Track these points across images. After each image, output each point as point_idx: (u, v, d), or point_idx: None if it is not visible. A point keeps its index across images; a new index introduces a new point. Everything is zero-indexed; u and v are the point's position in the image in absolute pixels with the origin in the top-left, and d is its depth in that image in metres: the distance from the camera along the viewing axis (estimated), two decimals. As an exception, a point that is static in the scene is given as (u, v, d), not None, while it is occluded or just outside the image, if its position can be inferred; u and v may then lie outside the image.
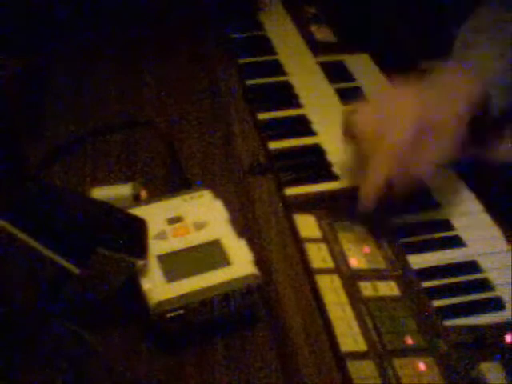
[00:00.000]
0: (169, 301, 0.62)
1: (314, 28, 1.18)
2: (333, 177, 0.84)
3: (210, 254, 0.66)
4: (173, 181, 0.83)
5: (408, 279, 0.72)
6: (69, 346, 0.64)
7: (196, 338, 0.65)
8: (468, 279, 0.74)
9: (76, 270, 0.61)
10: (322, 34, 1.16)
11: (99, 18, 1.15)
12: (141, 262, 0.64)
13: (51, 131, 0.92)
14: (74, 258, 0.61)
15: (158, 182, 0.84)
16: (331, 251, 0.74)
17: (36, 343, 0.63)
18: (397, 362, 0.63)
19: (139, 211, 0.70)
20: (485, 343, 0.66)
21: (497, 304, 0.71)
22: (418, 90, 0.80)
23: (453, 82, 0.82)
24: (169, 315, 0.62)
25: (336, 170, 0.86)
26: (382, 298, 0.69)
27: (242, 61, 1.08)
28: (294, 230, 0.76)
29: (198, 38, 1.13)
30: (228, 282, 0.64)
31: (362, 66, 1.07)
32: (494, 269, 0.74)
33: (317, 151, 0.89)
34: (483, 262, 0.75)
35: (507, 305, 0.70)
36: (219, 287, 0.63)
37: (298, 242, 0.75)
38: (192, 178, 0.83)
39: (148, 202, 0.74)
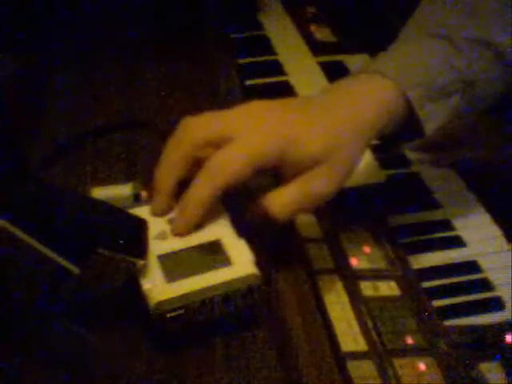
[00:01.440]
0: (169, 301, 0.62)
1: (313, 28, 1.18)
2: (333, 177, 0.84)
3: (210, 254, 0.66)
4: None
5: (408, 279, 0.72)
6: (69, 345, 0.63)
7: (196, 338, 0.65)
8: (468, 279, 0.74)
9: (76, 270, 0.61)
10: (322, 33, 1.16)
11: (99, 18, 1.15)
12: (141, 262, 0.64)
13: (51, 131, 0.92)
14: (74, 257, 0.61)
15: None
16: (332, 251, 0.74)
17: (36, 343, 0.63)
18: (397, 362, 0.63)
19: (139, 211, 0.70)
20: (485, 343, 0.66)
21: (497, 304, 0.71)
22: (297, 104, 0.65)
23: (356, 92, 0.64)
24: (169, 315, 0.62)
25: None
26: (382, 298, 0.69)
27: (241, 61, 1.08)
28: (294, 230, 0.76)
29: (198, 38, 1.13)
30: (228, 282, 0.64)
31: (361, 66, 1.07)
32: (493, 269, 0.75)
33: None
34: (483, 262, 0.75)
35: (507, 305, 0.70)
36: (219, 287, 0.63)
37: (299, 242, 0.75)
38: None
39: (148, 201, 0.74)
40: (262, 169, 0.61)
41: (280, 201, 0.62)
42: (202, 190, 0.62)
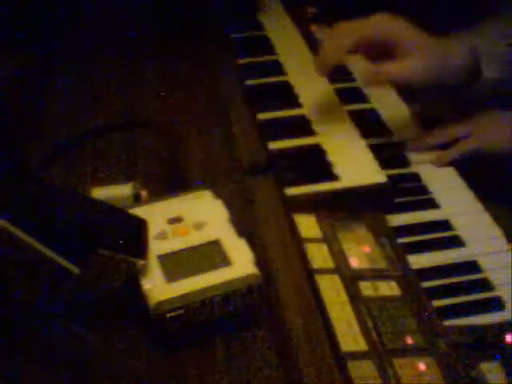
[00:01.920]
0: (169, 301, 0.62)
1: (313, 28, 1.18)
2: (333, 177, 0.84)
3: (210, 254, 0.66)
4: (173, 181, 0.83)
5: (408, 279, 0.72)
6: (69, 345, 0.64)
7: (196, 338, 0.65)
8: (468, 279, 0.74)
9: (76, 270, 0.61)
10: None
11: (99, 18, 1.15)
12: (141, 262, 0.64)
13: (51, 131, 0.92)
14: (74, 257, 0.61)
15: (158, 182, 0.84)
16: (331, 251, 0.74)
17: (36, 343, 0.63)
18: (397, 362, 0.63)
19: (139, 211, 0.70)
20: (485, 343, 0.66)
21: (497, 304, 0.71)
22: None
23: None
24: (169, 315, 0.62)
25: (336, 170, 0.86)
26: (382, 298, 0.69)
27: (241, 61, 1.08)
28: (294, 230, 0.76)
29: (198, 38, 1.13)
30: (228, 282, 0.64)
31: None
32: (493, 269, 0.75)
33: (317, 151, 0.89)
34: (483, 262, 0.75)
35: (507, 305, 0.70)
36: (219, 287, 0.63)
37: (299, 242, 0.75)
38: (192, 178, 0.83)
39: (148, 201, 0.74)
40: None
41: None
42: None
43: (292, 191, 0.82)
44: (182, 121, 0.94)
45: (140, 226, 0.68)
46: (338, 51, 0.88)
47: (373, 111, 0.98)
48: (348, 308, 0.68)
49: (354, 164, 0.86)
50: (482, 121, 0.91)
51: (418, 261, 0.75)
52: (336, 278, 0.71)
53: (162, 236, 0.68)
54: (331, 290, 0.70)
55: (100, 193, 0.76)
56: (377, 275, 0.72)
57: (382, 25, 0.87)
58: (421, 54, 0.84)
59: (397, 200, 0.83)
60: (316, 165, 0.87)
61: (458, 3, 1.06)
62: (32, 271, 0.62)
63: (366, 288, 0.71)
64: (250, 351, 0.64)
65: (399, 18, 0.87)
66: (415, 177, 0.88)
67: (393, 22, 0.86)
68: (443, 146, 0.91)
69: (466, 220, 0.81)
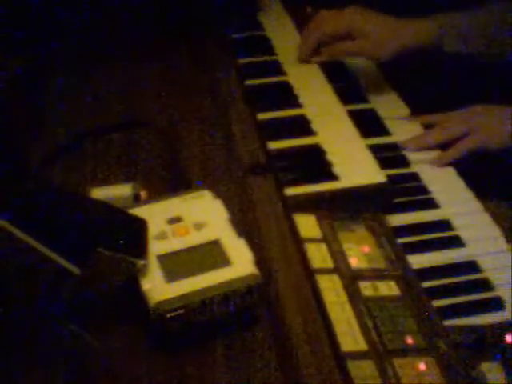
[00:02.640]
0: (169, 301, 0.62)
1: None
2: (333, 177, 0.84)
3: (210, 254, 0.66)
4: (173, 181, 0.83)
5: (408, 279, 0.72)
6: (69, 346, 0.64)
7: (196, 338, 0.65)
8: (468, 279, 0.74)
9: (76, 270, 0.61)
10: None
11: (99, 18, 1.15)
12: (141, 262, 0.64)
13: (51, 131, 0.92)
14: (74, 258, 0.61)
15: (158, 182, 0.84)
16: (331, 251, 0.74)
17: (36, 343, 0.63)
18: (397, 362, 0.63)
19: (139, 211, 0.70)
20: (485, 343, 0.66)
21: (497, 304, 0.71)
22: None
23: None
24: (169, 315, 0.62)
25: (336, 170, 0.86)
26: (382, 298, 0.69)
27: (242, 61, 1.08)
28: (294, 230, 0.76)
29: (198, 38, 1.13)
30: (228, 282, 0.64)
31: (361, 66, 1.07)
32: (494, 269, 0.75)
33: (317, 151, 0.89)
34: (483, 262, 0.75)
35: (507, 305, 0.70)
36: (219, 287, 0.63)
37: (298, 241, 0.75)
38: (192, 178, 0.83)
39: (148, 202, 0.74)
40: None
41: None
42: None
43: (292, 191, 0.82)
44: (182, 121, 0.94)
45: (140, 226, 0.68)
46: (315, 41, 1.06)
47: (373, 111, 0.98)
48: (348, 308, 0.68)
49: (354, 164, 0.86)
50: (479, 118, 0.91)
51: (417, 261, 0.76)
52: (336, 278, 0.71)
53: (162, 236, 0.68)
54: (331, 290, 0.70)
55: (100, 193, 0.76)
56: (377, 275, 0.72)
57: (352, 16, 1.04)
58: (374, 36, 1.01)
59: (397, 200, 0.83)
60: (316, 165, 0.87)
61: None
62: (32, 271, 0.62)
63: (366, 288, 0.71)
64: (250, 351, 0.64)
65: (367, 10, 1.04)
66: (415, 177, 0.88)
67: (360, 14, 1.03)
68: (442, 145, 0.91)
69: (465, 220, 0.81)
